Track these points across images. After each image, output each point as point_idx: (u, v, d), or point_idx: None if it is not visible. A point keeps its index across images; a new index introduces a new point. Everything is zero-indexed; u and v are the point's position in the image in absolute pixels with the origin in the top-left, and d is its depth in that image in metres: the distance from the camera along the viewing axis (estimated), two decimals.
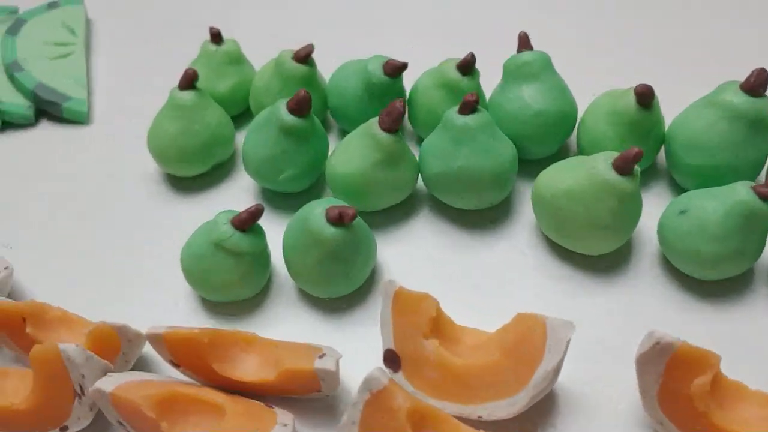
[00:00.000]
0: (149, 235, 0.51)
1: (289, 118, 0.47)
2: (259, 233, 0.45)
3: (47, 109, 0.58)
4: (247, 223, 0.44)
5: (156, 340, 0.41)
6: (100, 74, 0.62)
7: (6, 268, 0.47)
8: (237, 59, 0.55)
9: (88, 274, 0.49)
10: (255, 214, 0.44)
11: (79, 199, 0.54)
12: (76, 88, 0.59)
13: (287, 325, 0.46)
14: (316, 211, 0.44)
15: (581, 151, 0.50)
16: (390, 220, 0.50)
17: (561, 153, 0.52)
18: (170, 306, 0.48)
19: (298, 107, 0.47)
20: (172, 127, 0.50)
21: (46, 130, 0.59)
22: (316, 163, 0.50)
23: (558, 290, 0.46)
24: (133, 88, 0.61)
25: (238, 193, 0.53)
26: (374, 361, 0.42)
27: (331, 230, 0.43)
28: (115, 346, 0.42)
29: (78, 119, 0.58)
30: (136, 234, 0.51)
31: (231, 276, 0.44)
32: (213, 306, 0.47)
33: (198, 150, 0.51)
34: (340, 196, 0.48)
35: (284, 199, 0.52)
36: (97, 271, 0.49)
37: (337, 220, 0.43)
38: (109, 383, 0.39)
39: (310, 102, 0.47)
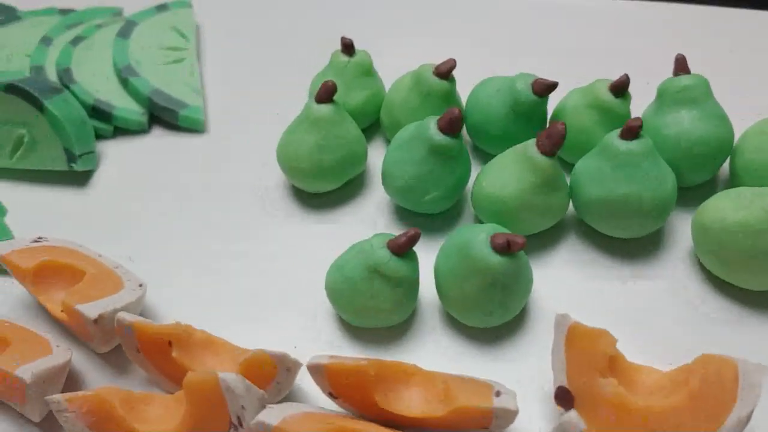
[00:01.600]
0: (277, 251, 0.49)
1: (440, 138, 0.45)
2: (414, 258, 0.43)
3: (162, 116, 0.56)
4: (405, 248, 0.42)
5: (317, 370, 0.39)
6: (209, 81, 0.60)
7: (140, 286, 0.45)
8: (368, 71, 0.52)
9: (214, 291, 0.47)
10: (413, 239, 0.42)
11: (199, 212, 0.52)
12: (192, 95, 0.56)
13: (434, 353, 0.44)
14: (479, 237, 0.41)
15: (736, 179, 0.48)
16: (537, 246, 0.48)
17: (713, 179, 0.50)
18: (305, 328, 0.45)
19: (450, 126, 0.45)
20: (308, 141, 0.48)
21: (159, 137, 0.57)
22: (460, 184, 0.47)
23: (724, 327, 0.44)
24: (244, 97, 0.59)
25: (370, 210, 0.51)
26: (533, 395, 0.41)
27: (496, 258, 0.41)
28: (270, 374, 0.40)
29: (194, 127, 0.56)
30: (263, 250, 0.49)
31: (385, 302, 0.42)
32: (354, 331, 0.45)
33: (335, 166, 0.49)
34: (490, 220, 0.46)
35: (418, 219, 0.49)
36: (223, 288, 0.47)
37: (504, 248, 0.41)
38: (272, 416, 0.37)
39: (462, 121, 0.45)
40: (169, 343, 0.41)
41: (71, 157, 0.52)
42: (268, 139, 0.55)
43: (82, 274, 0.45)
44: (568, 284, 0.46)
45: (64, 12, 0.62)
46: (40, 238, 0.48)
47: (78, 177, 0.54)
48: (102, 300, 0.42)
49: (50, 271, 0.46)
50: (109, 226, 0.51)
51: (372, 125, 0.54)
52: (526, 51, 0.62)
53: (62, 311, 0.44)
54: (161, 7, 0.61)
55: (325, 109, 0.48)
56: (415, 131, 0.46)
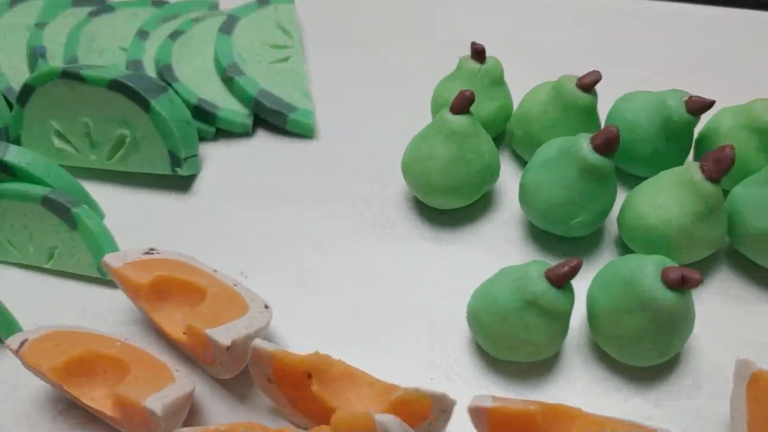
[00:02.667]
0: (400, 271, 0.46)
1: (595, 158, 0.42)
2: (571, 290, 0.39)
3: (268, 118, 0.52)
4: (566, 279, 0.38)
5: (477, 414, 0.35)
6: (312, 81, 0.57)
7: (266, 308, 0.41)
8: (499, 80, 0.49)
9: (331, 314, 0.44)
10: (575, 269, 0.38)
11: (310, 223, 0.48)
12: (300, 98, 0.53)
13: (586, 391, 0.41)
14: (648, 269, 0.38)
15: None
16: None
17: None
18: (436, 358, 0.42)
19: (607, 146, 0.41)
20: (441, 155, 0.45)
21: (263, 141, 0.53)
22: (608, 208, 0.44)
23: None
24: (353, 100, 0.55)
25: (499, 228, 0.48)
26: None
27: (666, 294, 0.37)
28: (423, 415, 0.37)
29: (303, 132, 0.52)
30: (383, 269, 0.46)
31: (539, 336, 0.39)
32: (492, 364, 0.42)
33: (470, 181, 0.45)
34: (642, 248, 0.43)
35: (552, 241, 0.46)
36: (341, 311, 0.44)
37: (678, 284, 0.37)
38: None
39: (618, 140, 0.41)
40: (309, 375, 0.38)
41: (176, 161, 0.49)
42: (383, 147, 0.51)
43: (202, 292, 0.42)
44: (725, 320, 0.43)
45: (157, 3, 0.59)
46: (152, 249, 0.44)
47: (179, 181, 0.50)
48: (231, 324, 0.39)
49: (166, 287, 0.42)
50: (214, 236, 0.48)
51: (495, 137, 0.51)
52: (651, 62, 0.58)
53: (184, 333, 0.40)
54: (263, 2, 0.58)
55: (462, 120, 0.45)
56: (564, 149, 0.43)
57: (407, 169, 0.47)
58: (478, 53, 0.48)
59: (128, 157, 0.49)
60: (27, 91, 0.50)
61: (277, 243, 0.47)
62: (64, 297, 0.45)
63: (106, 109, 0.49)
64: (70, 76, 0.48)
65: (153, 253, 0.44)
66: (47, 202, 0.46)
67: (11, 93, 0.53)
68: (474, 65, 0.48)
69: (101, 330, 0.42)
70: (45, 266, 0.47)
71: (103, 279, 0.45)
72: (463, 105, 0.45)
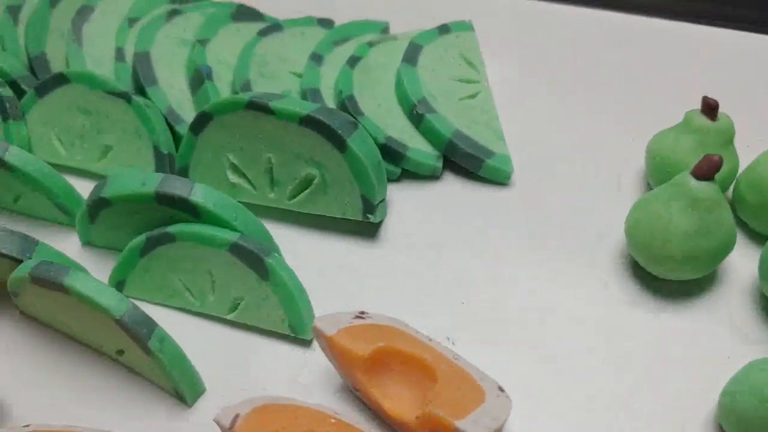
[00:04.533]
0: (624, 345, 0.42)
1: None
2: None
3: (461, 162, 0.48)
4: None
5: None
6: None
7: (501, 391, 0.37)
8: (730, 140, 0.45)
9: (557, 393, 0.40)
10: None
11: (511, 280, 0.44)
12: (495, 140, 0.48)
13: None
14: None
15: None
16: None
17: None
18: None
19: None
20: (681, 224, 0.40)
21: (450, 185, 0.49)
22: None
23: None
24: (548, 144, 0.51)
25: (726, 301, 0.43)
26: None
27: None
28: None
29: (498, 179, 0.48)
30: (607, 341, 0.42)
31: None
32: None
33: (710, 254, 0.41)
34: None
35: None
36: (568, 389, 0.40)
37: None
38: None
39: None
40: None
41: (368, 207, 0.44)
42: (587, 197, 0.47)
43: (428, 369, 0.37)
44: None
45: (322, 22, 0.54)
46: (362, 313, 0.40)
47: (362, 226, 0.46)
48: (477, 415, 0.35)
49: (387, 359, 0.38)
50: (407, 290, 0.44)
51: None
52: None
53: (417, 417, 0.36)
54: (443, 29, 0.53)
55: (708, 189, 0.40)
56: None
57: (633, 234, 0.42)
58: (711, 109, 0.44)
59: (314, 198, 0.45)
60: (204, 119, 0.46)
61: (474, 300, 0.43)
62: (248, 354, 0.42)
63: (294, 145, 0.44)
64: (258, 107, 0.44)
65: (364, 318, 0.40)
66: (236, 249, 0.41)
67: (172, 115, 0.49)
68: (704, 122, 0.44)
69: (309, 402, 0.38)
70: (225, 317, 0.43)
71: (293, 336, 0.41)
72: (710, 171, 0.40)
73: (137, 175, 0.43)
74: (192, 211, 0.42)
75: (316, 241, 0.46)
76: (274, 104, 0.44)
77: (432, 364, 0.37)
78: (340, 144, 0.43)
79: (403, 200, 0.48)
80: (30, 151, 0.50)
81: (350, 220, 0.45)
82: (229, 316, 0.43)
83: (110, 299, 0.38)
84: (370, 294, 0.44)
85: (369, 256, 0.45)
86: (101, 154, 0.49)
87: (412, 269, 0.45)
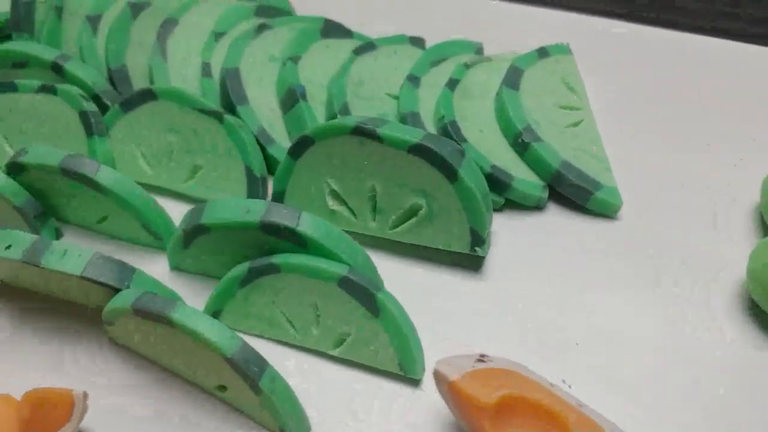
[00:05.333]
0: (745, 391, 0.40)
1: None
2: None
3: (567, 193, 0.46)
4: None
5: None
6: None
7: None
8: None
9: None
10: None
11: (622, 317, 0.42)
12: (603, 172, 0.47)
13: None
14: None
15: None
16: None
17: None
18: None
19: None
20: None
21: (555, 216, 0.47)
22: None
23: None
24: (649, 171, 0.49)
25: None
26: None
27: None
28: None
29: (605, 212, 0.46)
30: (717, 382, 0.40)
31: None
32: None
33: None
34: None
35: None
36: None
37: None
38: None
39: None
40: None
41: (477, 239, 0.42)
42: (699, 233, 0.46)
43: (559, 420, 0.36)
44: None
45: (414, 40, 0.52)
46: (483, 356, 0.38)
47: (464, 259, 0.44)
48: None
49: (512, 407, 0.36)
50: (516, 328, 0.42)
51: None
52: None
53: None
54: (542, 52, 0.51)
55: None
56: None
57: (757, 278, 0.41)
58: None
59: (419, 229, 0.43)
60: (304, 143, 0.44)
61: (587, 340, 0.41)
62: (352, 391, 0.40)
63: (401, 173, 0.43)
64: (364, 133, 0.42)
65: (486, 361, 0.38)
66: (346, 283, 0.40)
67: (264, 135, 0.47)
68: None
69: None
70: (329, 352, 0.41)
71: (402, 376, 0.40)
72: None
73: (239, 202, 0.41)
74: (298, 242, 0.40)
75: (416, 272, 0.44)
76: (381, 131, 0.42)
77: (561, 414, 0.36)
78: (450, 173, 0.41)
79: (507, 232, 0.46)
80: (113, 168, 0.48)
81: (450, 251, 0.44)
82: (334, 352, 0.41)
83: (221, 337, 0.36)
84: (478, 332, 0.42)
85: (473, 290, 0.44)
86: (189, 174, 0.47)
87: (519, 305, 0.43)
